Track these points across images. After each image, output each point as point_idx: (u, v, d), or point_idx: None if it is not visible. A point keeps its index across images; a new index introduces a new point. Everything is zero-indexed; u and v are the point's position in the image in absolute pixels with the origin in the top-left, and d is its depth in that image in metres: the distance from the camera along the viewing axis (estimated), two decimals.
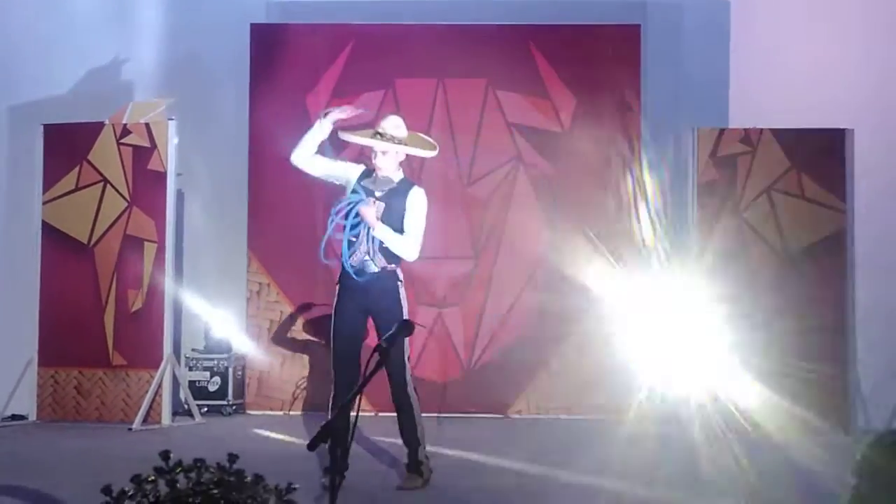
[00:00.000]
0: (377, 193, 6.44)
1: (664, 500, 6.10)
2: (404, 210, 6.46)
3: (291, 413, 9.92)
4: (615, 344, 9.86)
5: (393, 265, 6.45)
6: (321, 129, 6.49)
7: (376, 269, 6.37)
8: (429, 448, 6.58)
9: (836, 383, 8.75)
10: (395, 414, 6.53)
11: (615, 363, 9.86)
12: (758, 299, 8.84)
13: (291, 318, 10.07)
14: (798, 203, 8.92)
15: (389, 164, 6.52)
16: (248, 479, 3.03)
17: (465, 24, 10.23)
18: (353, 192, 6.44)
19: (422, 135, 7.00)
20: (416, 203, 6.52)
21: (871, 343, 8.94)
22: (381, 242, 6.37)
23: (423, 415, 9.40)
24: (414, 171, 9.81)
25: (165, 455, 3.03)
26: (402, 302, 6.46)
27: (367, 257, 6.37)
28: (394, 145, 6.48)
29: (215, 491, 2.98)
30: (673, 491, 6.29)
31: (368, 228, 6.35)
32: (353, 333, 6.45)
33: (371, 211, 6.33)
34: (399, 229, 6.43)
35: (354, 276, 6.34)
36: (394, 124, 6.55)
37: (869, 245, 9.11)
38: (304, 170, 6.61)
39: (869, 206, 9.08)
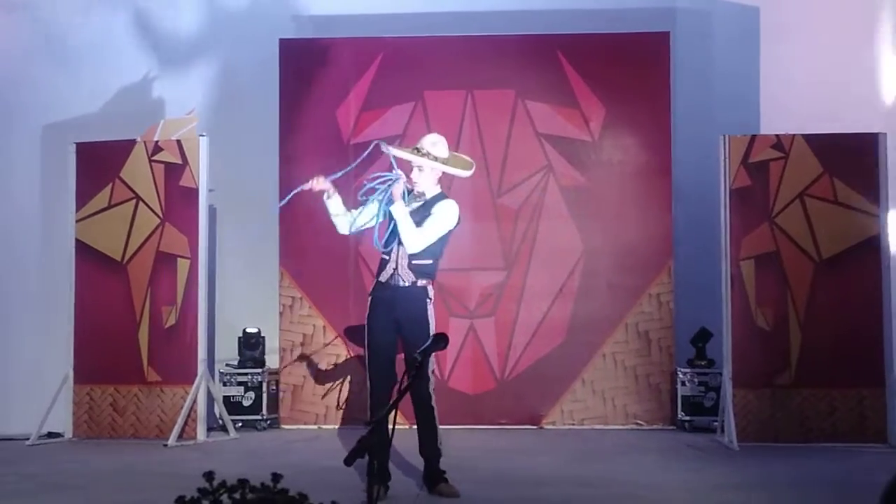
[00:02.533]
0: (409, 207, 6.49)
1: None
2: (429, 216, 6.51)
3: (325, 427, 9.93)
4: (649, 354, 9.86)
5: (423, 281, 6.50)
6: (331, 202, 6.66)
7: (405, 284, 6.43)
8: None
9: (873, 391, 8.67)
10: None
11: (649, 373, 9.86)
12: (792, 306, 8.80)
13: (325, 332, 10.09)
14: (831, 208, 8.86)
15: (426, 181, 6.60)
16: (293, 497, 3.03)
17: (493, 35, 10.23)
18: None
19: (461, 155, 7.07)
20: (441, 208, 6.56)
21: None
22: (411, 260, 6.42)
23: (457, 427, 9.48)
24: (443, 182, 9.84)
25: (209, 476, 3.03)
26: (430, 317, 6.48)
27: (397, 273, 6.44)
28: (429, 161, 6.53)
29: None
30: None
31: (400, 246, 6.41)
32: (387, 345, 6.48)
33: (399, 188, 6.44)
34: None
35: (385, 290, 6.43)
36: (431, 141, 6.65)
37: None
38: (354, 231, 6.77)
39: None
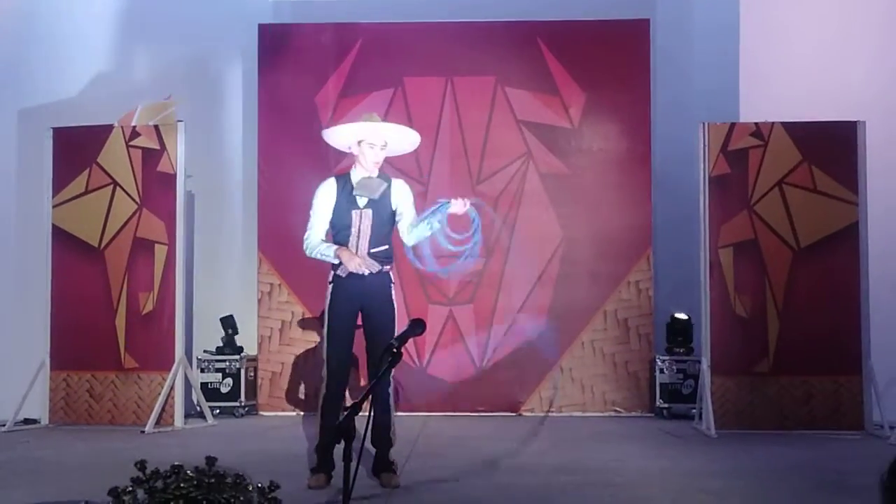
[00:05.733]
0: (364, 200, 6.38)
1: None
2: (391, 205, 6.42)
3: (304, 414, 9.90)
4: (628, 341, 9.88)
5: (387, 267, 6.41)
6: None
7: (373, 272, 6.31)
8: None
9: (850, 378, 8.70)
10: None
11: (628, 361, 9.87)
12: (771, 293, 8.83)
13: (303, 319, 10.06)
14: (810, 196, 8.88)
15: (381, 160, 6.46)
16: (229, 480, 3.03)
17: (473, 22, 10.21)
18: (355, 200, 6.40)
19: None
20: (409, 193, 6.50)
21: (885, 337, 8.89)
22: (370, 249, 6.32)
23: (436, 414, 9.47)
24: (423, 169, 9.86)
25: (142, 465, 3.03)
26: (394, 303, 6.41)
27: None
28: (395, 132, 6.51)
29: (195, 493, 2.98)
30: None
31: (363, 234, 6.34)
32: (348, 333, 6.39)
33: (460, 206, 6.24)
34: (390, 223, 6.42)
35: (350, 279, 6.34)
36: (376, 117, 6.57)
37: (881, 237, 9.06)
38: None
39: (881, 199, 9.03)
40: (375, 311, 6.34)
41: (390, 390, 6.35)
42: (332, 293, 6.41)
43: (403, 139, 6.66)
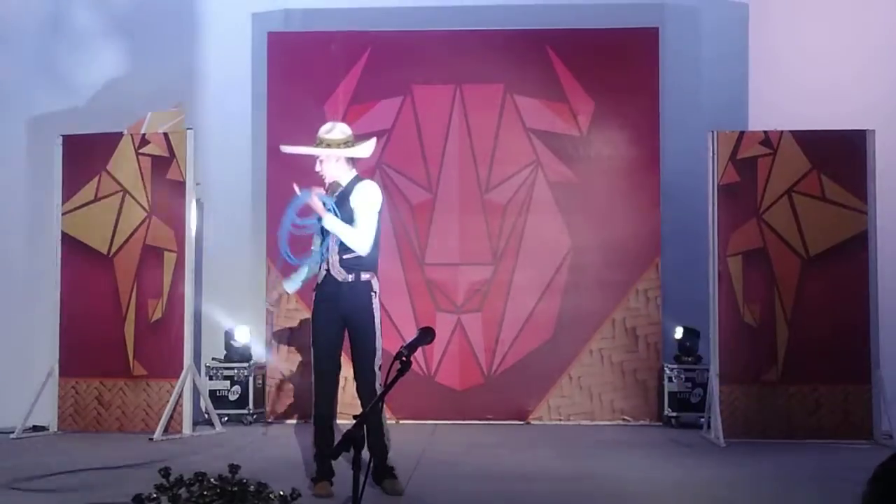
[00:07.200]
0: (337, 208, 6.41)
1: None
2: (353, 207, 6.39)
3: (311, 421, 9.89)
4: (637, 350, 9.86)
5: (366, 275, 6.38)
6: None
7: (349, 280, 6.34)
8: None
9: (859, 387, 8.68)
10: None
11: (636, 369, 9.86)
12: (779, 302, 8.81)
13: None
14: (819, 205, 8.87)
15: (333, 170, 6.49)
16: (252, 488, 3.03)
17: (482, 30, 10.22)
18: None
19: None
20: (362, 194, 6.43)
21: (894, 346, 8.87)
22: (342, 256, 6.33)
23: (444, 422, 9.46)
24: (431, 177, 9.87)
25: (166, 472, 3.04)
26: (375, 312, 6.37)
27: (330, 272, 6.37)
28: (325, 150, 6.44)
29: (218, 501, 2.98)
30: None
31: (332, 240, 6.34)
32: (332, 341, 6.40)
33: (315, 201, 6.30)
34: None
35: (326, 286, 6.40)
36: (325, 130, 6.52)
37: (891, 246, 9.05)
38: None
39: (891, 207, 9.01)
40: (354, 321, 6.34)
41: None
42: (314, 303, 6.49)
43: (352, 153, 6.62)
